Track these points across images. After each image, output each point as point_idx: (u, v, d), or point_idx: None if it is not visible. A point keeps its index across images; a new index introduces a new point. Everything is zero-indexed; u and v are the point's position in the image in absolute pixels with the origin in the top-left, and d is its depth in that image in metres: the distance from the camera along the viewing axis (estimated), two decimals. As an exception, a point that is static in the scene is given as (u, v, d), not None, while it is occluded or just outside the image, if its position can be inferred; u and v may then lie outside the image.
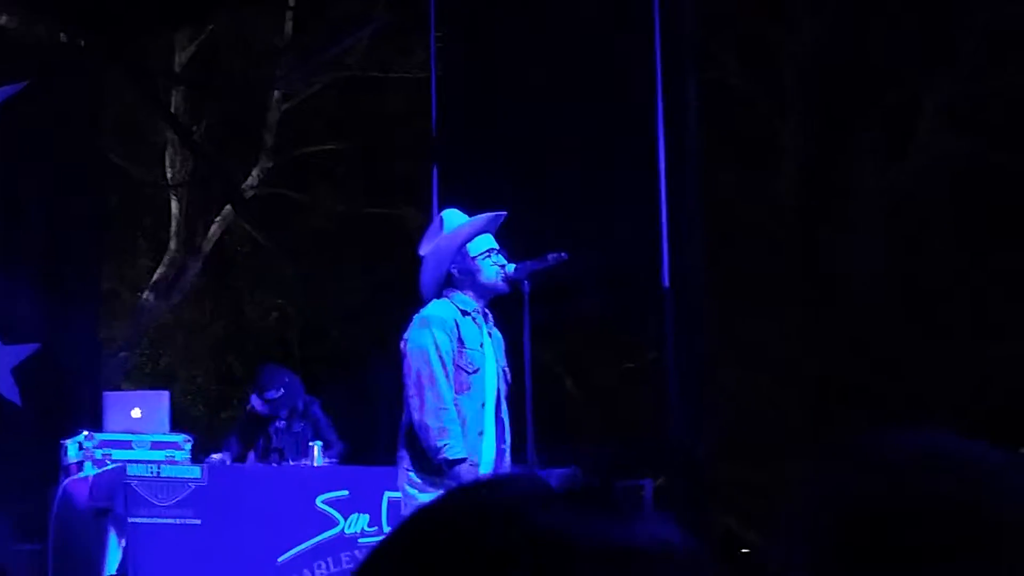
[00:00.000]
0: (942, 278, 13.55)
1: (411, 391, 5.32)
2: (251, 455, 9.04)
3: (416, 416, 5.29)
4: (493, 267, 5.44)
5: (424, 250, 5.58)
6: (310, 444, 8.35)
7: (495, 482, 1.07)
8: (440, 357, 5.28)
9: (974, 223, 13.55)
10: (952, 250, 13.56)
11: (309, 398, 9.08)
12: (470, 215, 5.60)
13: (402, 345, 5.44)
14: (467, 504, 1.04)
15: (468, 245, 5.46)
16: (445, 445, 5.19)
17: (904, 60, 13.95)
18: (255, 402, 9.07)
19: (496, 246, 5.50)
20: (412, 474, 5.33)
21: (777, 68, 14.49)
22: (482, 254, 5.46)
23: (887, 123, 14.23)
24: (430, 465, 5.26)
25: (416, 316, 5.45)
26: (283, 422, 8.92)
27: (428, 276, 5.53)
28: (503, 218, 5.58)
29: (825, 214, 14.31)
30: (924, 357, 13.34)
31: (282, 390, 8.96)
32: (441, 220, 5.61)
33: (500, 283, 5.44)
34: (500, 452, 5.44)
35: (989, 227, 13.48)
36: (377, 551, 1.06)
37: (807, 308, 14.08)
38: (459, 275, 5.45)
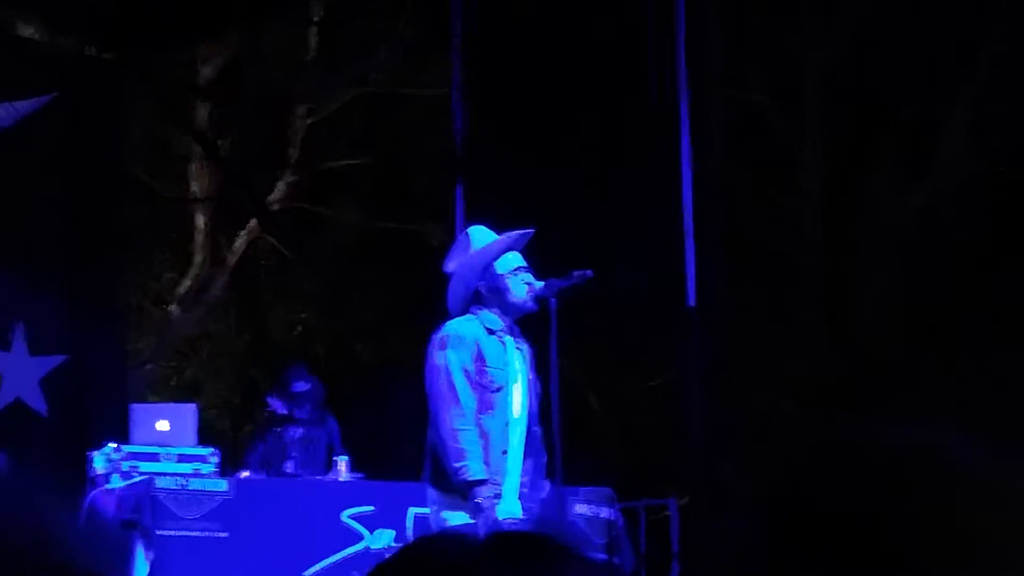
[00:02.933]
0: (963, 298, 13.54)
1: (431, 411, 5.33)
2: (255, 460, 8.99)
3: (435, 436, 5.28)
4: (522, 285, 5.41)
5: (450, 267, 5.54)
6: (334, 459, 8.37)
7: (451, 538, 1.10)
8: (456, 376, 5.27)
9: (993, 243, 13.54)
10: (972, 270, 13.55)
11: (326, 409, 9.09)
12: (494, 231, 5.58)
13: (424, 365, 5.44)
14: (423, 561, 1.07)
15: (496, 263, 5.43)
16: (463, 467, 5.18)
17: (925, 80, 13.95)
18: (274, 403, 9.04)
19: (524, 264, 5.47)
20: (436, 492, 5.32)
21: (798, 89, 14.51)
22: (511, 272, 5.43)
23: (907, 144, 14.23)
24: (451, 484, 5.25)
25: (434, 335, 5.42)
26: (300, 429, 8.90)
27: (455, 293, 5.50)
28: (530, 235, 5.55)
29: (845, 234, 14.31)
30: (944, 378, 13.32)
31: (309, 385, 8.95)
32: (468, 237, 5.57)
33: (529, 302, 5.41)
34: (538, 467, 5.41)
35: (1009, 248, 13.46)
36: None
37: (829, 328, 14.07)
38: (487, 293, 5.43)
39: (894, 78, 14.06)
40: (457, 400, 5.25)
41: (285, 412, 8.95)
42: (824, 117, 14.40)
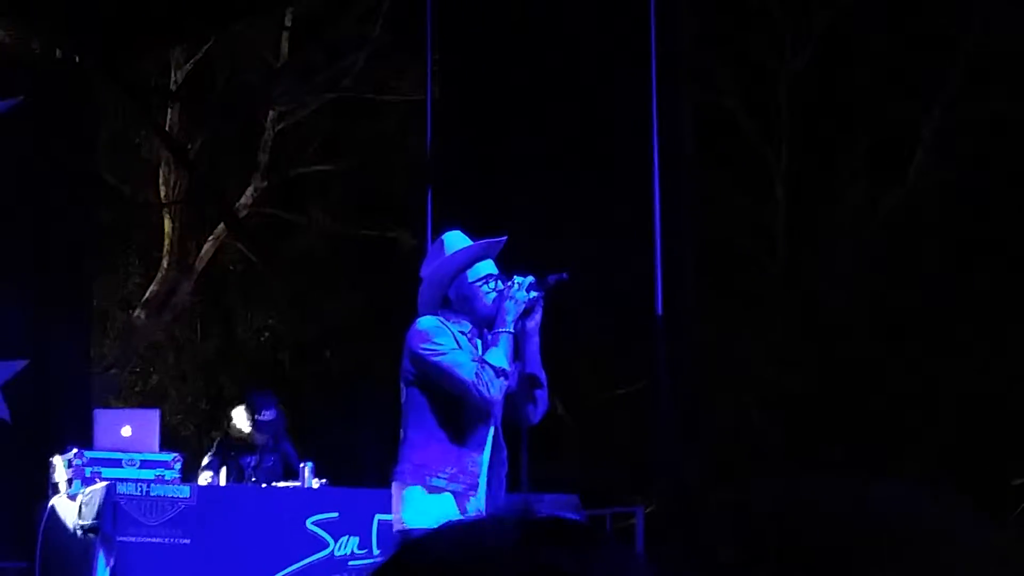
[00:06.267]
0: (928, 301, 13.59)
1: (442, 379, 5.22)
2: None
3: (452, 373, 5.17)
4: (491, 294, 5.34)
5: (425, 271, 5.50)
6: (301, 465, 8.31)
7: (481, 522, 1.08)
8: (455, 343, 5.22)
9: (959, 247, 13.60)
10: (938, 274, 13.61)
11: (282, 434, 9.06)
12: (470, 237, 5.52)
13: (411, 340, 5.30)
14: (455, 543, 1.04)
15: (468, 270, 5.37)
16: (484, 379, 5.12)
17: (894, 86, 14.01)
18: (239, 420, 8.99)
19: (496, 272, 5.40)
20: (410, 488, 5.22)
21: (770, 93, 14.54)
22: (481, 280, 5.36)
23: (876, 149, 14.28)
24: (433, 476, 5.18)
25: (413, 329, 5.34)
26: (255, 458, 8.87)
27: (426, 298, 5.45)
28: (503, 243, 5.49)
29: (814, 239, 14.35)
30: (910, 380, 13.36)
31: (275, 414, 8.92)
32: (442, 242, 5.52)
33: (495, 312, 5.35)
34: (501, 461, 5.35)
35: (974, 251, 13.53)
36: None
37: (797, 332, 14.09)
38: (456, 299, 5.37)
39: (863, 83, 14.11)
40: (461, 346, 5.19)
41: (246, 433, 8.91)
42: (794, 122, 14.43)
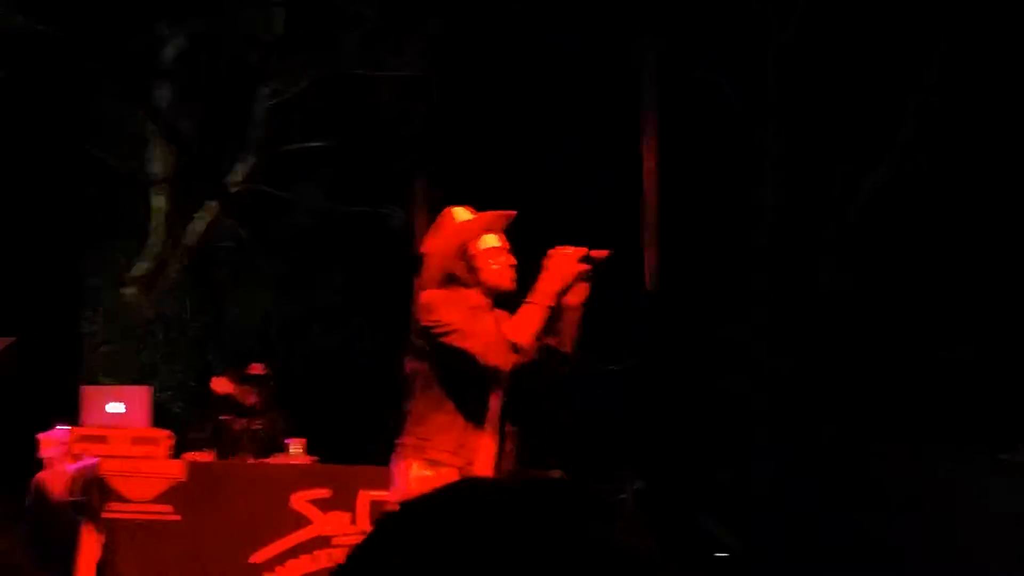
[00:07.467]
0: (914, 285, 13.63)
1: (442, 330, 5.14)
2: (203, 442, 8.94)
3: (459, 347, 5.09)
4: (496, 267, 5.27)
5: (429, 246, 5.42)
6: (285, 442, 8.32)
7: (471, 487, 1.08)
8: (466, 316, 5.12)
9: (949, 231, 13.63)
10: (925, 258, 13.64)
11: (276, 404, 9.07)
12: (472, 213, 5.44)
13: (417, 315, 5.20)
14: (443, 507, 1.04)
15: (473, 243, 5.30)
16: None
17: (884, 70, 14.02)
18: (220, 386, 8.98)
19: (500, 245, 5.32)
20: (414, 461, 5.17)
21: (761, 76, 14.53)
22: (486, 252, 5.30)
23: (866, 132, 14.30)
24: (435, 449, 5.13)
25: (422, 304, 5.25)
26: (249, 421, 8.87)
27: (431, 272, 5.38)
28: (511, 218, 5.39)
29: (804, 221, 14.37)
30: (896, 361, 13.40)
31: (264, 370, 8.92)
32: (446, 216, 5.44)
33: (505, 283, 5.26)
34: (507, 436, 5.30)
35: (962, 235, 13.56)
36: (355, 552, 1.06)
37: (786, 312, 14.12)
38: (463, 273, 5.30)
39: (852, 67, 14.12)
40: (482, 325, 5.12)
41: (227, 394, 8.90)
42: (785, 105, 14.43)
